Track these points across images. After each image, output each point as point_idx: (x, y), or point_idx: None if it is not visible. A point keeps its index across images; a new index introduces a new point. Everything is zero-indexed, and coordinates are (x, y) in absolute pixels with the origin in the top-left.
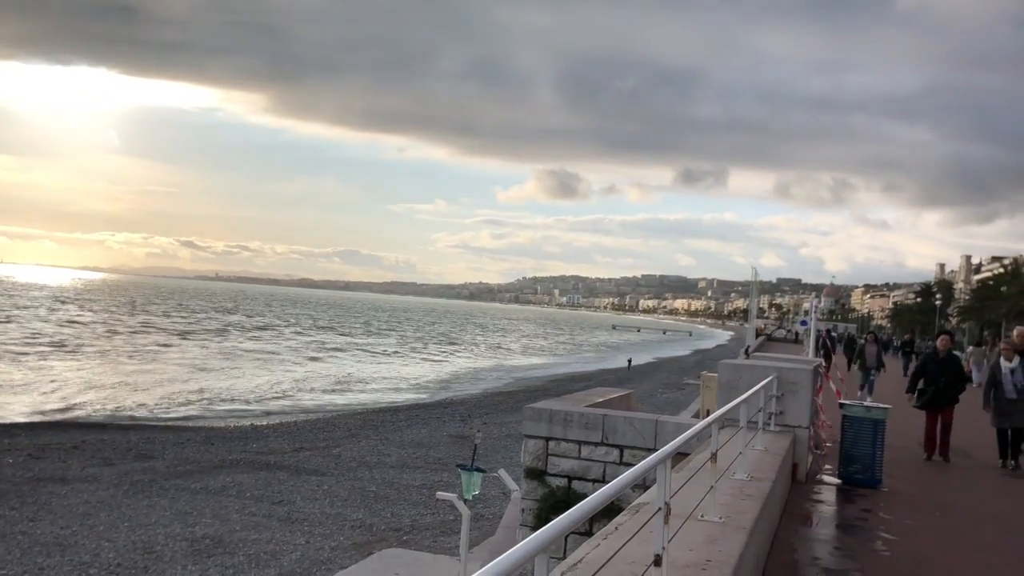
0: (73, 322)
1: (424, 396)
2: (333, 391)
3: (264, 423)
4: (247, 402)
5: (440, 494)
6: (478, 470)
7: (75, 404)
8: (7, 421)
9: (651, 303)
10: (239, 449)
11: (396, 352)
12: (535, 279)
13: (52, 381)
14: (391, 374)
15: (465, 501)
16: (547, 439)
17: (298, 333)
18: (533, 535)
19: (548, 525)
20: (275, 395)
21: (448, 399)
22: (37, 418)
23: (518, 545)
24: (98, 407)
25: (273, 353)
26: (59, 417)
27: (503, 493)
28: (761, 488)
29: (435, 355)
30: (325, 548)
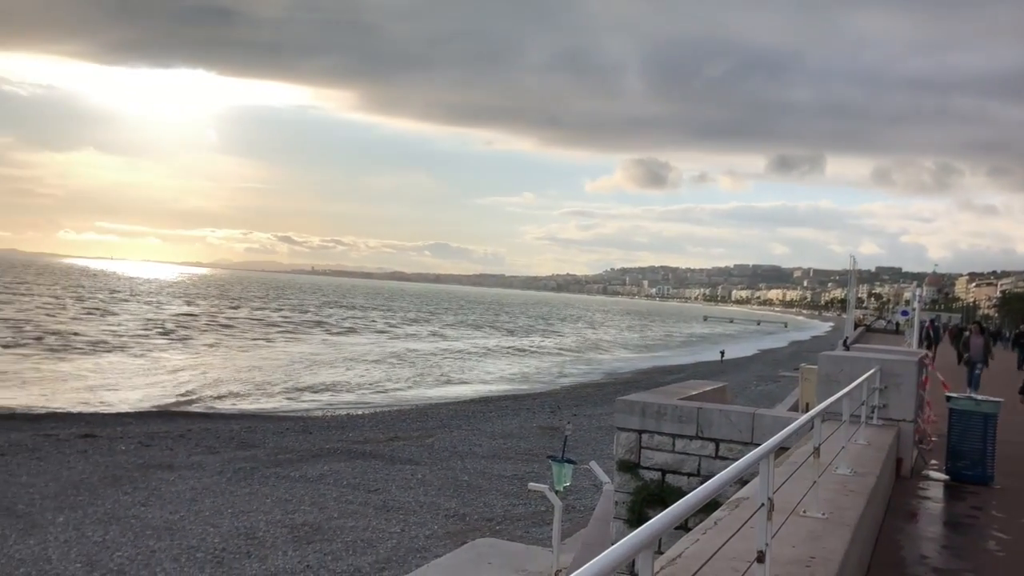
0: (179, 315)
1: (513, 388)
2: (424, 382)
3: (359, 412)
4: (343, 392)
5: (532, 485)
6: (569, 462)
7: (182, 394)
8: (120, 410)
9: (744, 293)
10: (336, 438)
11: (485, 343)
12: (623, 270)
13: (161, 372)
14: (481, 365)
15: (556, 492)
16: (640, 432)
17: (391, 325)
18: (638, 530)
19: (653, 520)
20: (370, 385)
21: (537, 391)
22: (147, 407)
23: (622, 540)
24: (203, 397)
25: (368, 344)
26: (167, 406)
27: (594, 485)
28: (865, 483)
29: (524, 347)
30: (420, 536)
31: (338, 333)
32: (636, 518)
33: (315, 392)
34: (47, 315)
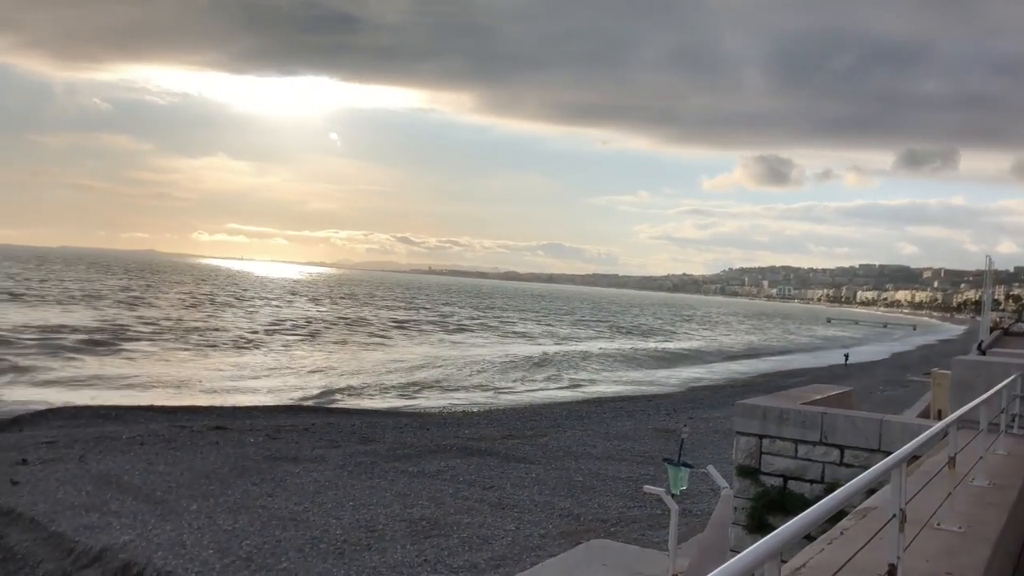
0: (306, 314)
1: (628, 389)
2: (538, 381)
3: (475, 410)
4: (459, 390)
5: (647, 488)
6: (685, 465)
7: (307, 389)
8: (249, 404)
9: (870, 295)
10: (451, 435)
11: (598, 343)
12: (742, 270)
13: (288, 368)
14: (594, 366)
15: (672, 496)
16: (761, 436)
17: (506, 324)
18: (765, 539)
19: (781, 529)
20: (485, 383)
21: (652, 392)
22: (274, 402)
23: (749, 549)
24: (327, 392)
25: (483, 343)
26: (293, 401)
27: (711, 489)
28: (1005, 496)
29: (638, 347)
30: (534, 535)
31: (455, 332)
32: (756, 524)
33: (432, 389)
34: (184, 312)
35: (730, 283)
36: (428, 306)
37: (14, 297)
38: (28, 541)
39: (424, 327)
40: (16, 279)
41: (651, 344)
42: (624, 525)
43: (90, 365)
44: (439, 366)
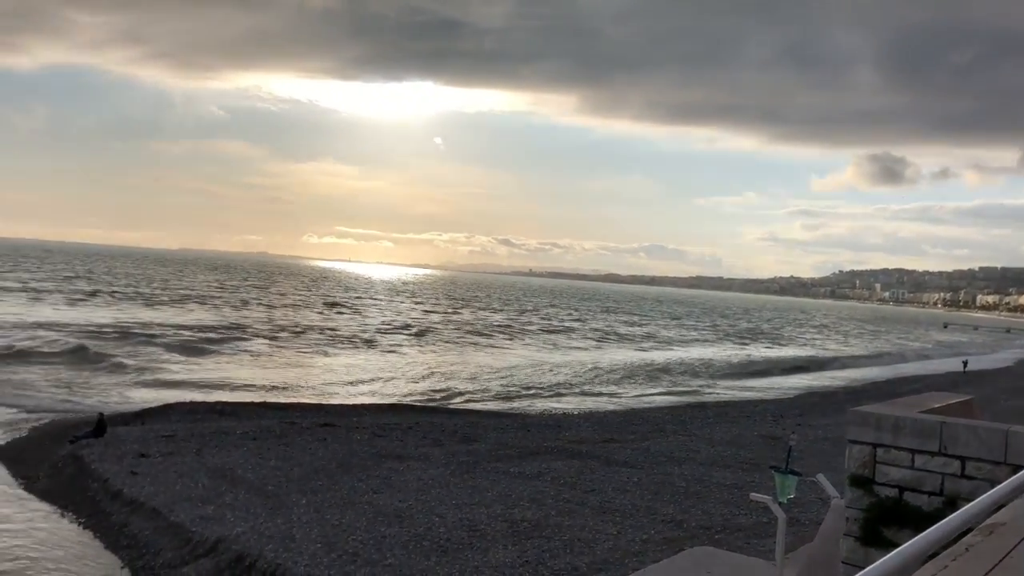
0: (413, 314)
1: (733, 393)
2: (639, 384)
3: (576, 412)
4: (560, 391)
5: (754, 495)
6: (793, 473)
7: (411, 388)
8: (355, 402)
9: (991, 299)
10: (552, 437)
11: (702, 346)
12: (852, 272)
13: (393, 367)
14: (697, 368)
15: (780, 504)
16: (875, 445)
17: (608, 326)
18: (889, 555)
19: (907, 545)
20: (586, 386)
21: (759, 398)
22: (380, 400)
23: (874, 565)
24: (431, 391)
25: (584, 346)
26: (398, 400)
27: (820, 499)
28: None
29: (743, 351)
30: (636, 540)
31: (557, 334)
32: (870, 536)
33: (533, 391)
34: (294, 312)
35: (840, 286)
36: (530, 307)
37: (140, 296)
38: (149, 530)
39: (526, 329)
40: (140, 280)
41: (757, 348)
42: (729, 533)
43: (206, 362)
44: (541, 368)
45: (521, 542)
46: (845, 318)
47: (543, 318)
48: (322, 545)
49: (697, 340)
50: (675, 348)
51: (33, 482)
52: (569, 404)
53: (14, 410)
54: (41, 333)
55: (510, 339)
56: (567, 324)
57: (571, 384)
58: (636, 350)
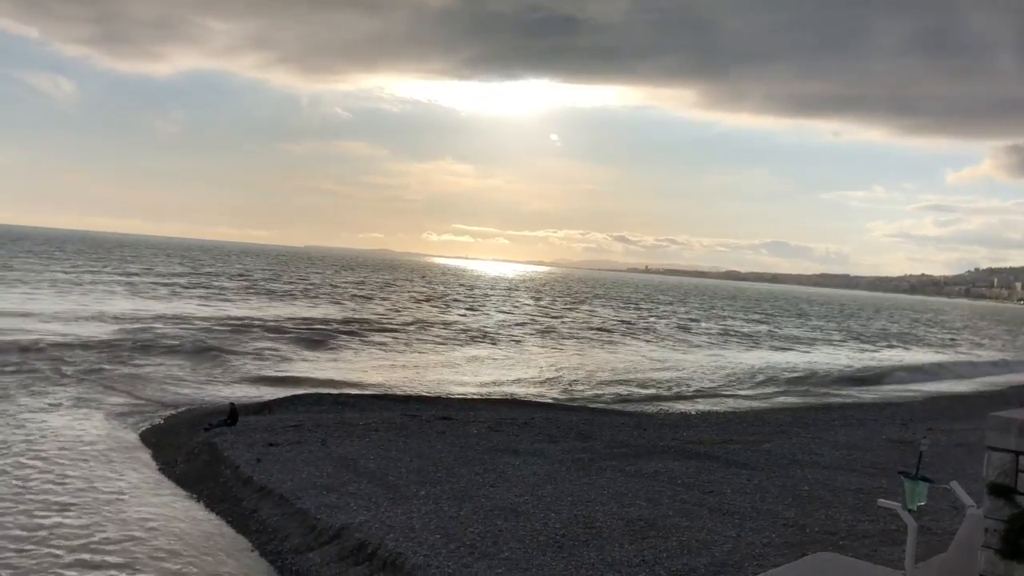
0: (528, 310)
1: (858, 396)
2: (758, 384)
3: (693, 412)
4: (676, 390)
5: (882, 501)
6: (924, 479)
7: (528, 384)
8: (473, 396)
9: None
10: (669, 436)
11: (827, 346)
12: (990, 270)
13: (510, 362)
14: (821, 369)
15: (909, 511)
16: (1017, 453)
17: (729, 326)
18: None
19: None
20: (704, 386)
21: (886, 400)
22: (496, 394)
23: None
24: (546, 387)
25: (704, 345)
26: (514, 395)
27: (954, 507)
28: None
29: (871, 352)
30: (756, 543)
31: (674, 332)
32: (1012, 549)
33: (650, 389)
34: (416, 308)
35: (976, 285)
36: (646, 305)
37: (269, 291)
38: (277, 516)
39: (644, 326)
40: (269, 276)
41: (884, 349)
42: (854, 539)
43: (331, 356)
44: (659, 366)
45: (637, 541)
46: (983, 318)
47: (661, 316)
48: (440, 536)
49: (821, 340)
50: (798, 348)
51: (171, 467)
52: (687, 403)
53: (148, 400)
54: (175, 327)
55: (627, 336)
56: (685, 322)
57: (690, 383)
58: (757, 350)
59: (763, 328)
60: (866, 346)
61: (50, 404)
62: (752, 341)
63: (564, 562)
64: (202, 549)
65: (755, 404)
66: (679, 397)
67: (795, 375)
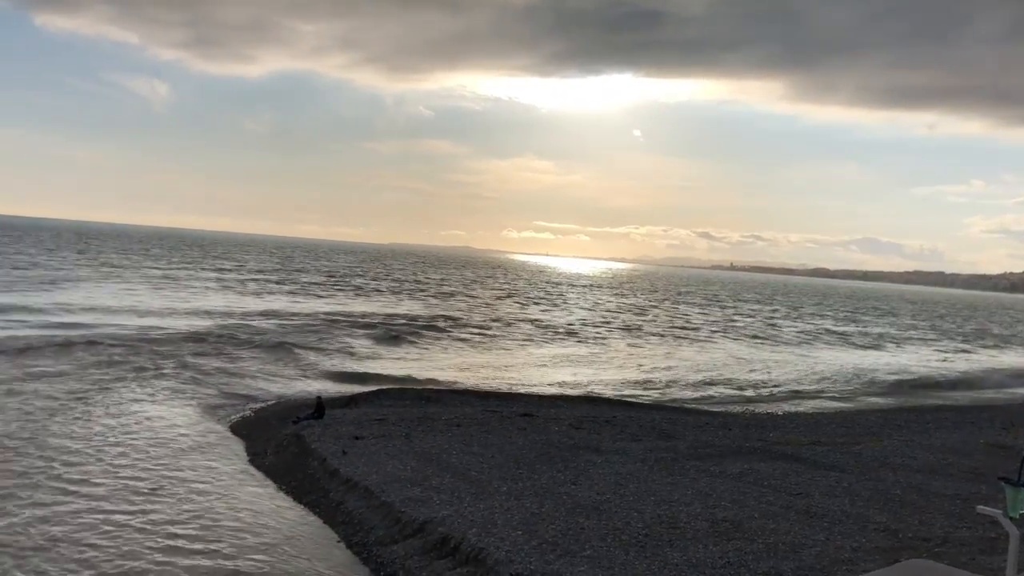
0: (610, 308)
1: (955, 398)
2: (850, 384)
3: (779, 413)
4: (763, 391)
5: (981, 508)
6: None
7: (610, 382)
8: (554, 393)
9: None
10: (755, 437)
11: (922, 346)
12: None
13: (593, 360)
14: (913, 369)
15: (1011, 519)
16: None
17: (818, 323)
18: None
19: None
20: (791, 386)
21: (985, 403)
22: (577, 393)
23: None
24: (629, 386)
25: (793, 344)
26: (595, 393)
27: None
28: None
29: (970, 353)
30: (846, 548)
31: (762, 330)
32: None
33: (736, 389)
34: (498, 304)
35: None
36: (731, 303)
37: (354, 288)
38: (362, 508)
39: (729, 325)
40: (354, 273)
41: (983, 350)
42: (951, 547)
43: (413, 351)
44: (744, 366)
45: (722, 542)
46: None
47: (746, 314)
48: (522, 532)
49: (915, 340)
50: (889, 348)
51: (261, 458)
52: (773, 404)
53: (238, 393)
54: (264, 322)
55: (711, 335)
56: (772, 321)
57: (776, 383)
58: (846, 349)
59: (852, 327)
60: (962, 346)
61: (145, 395)
62: (841, 340)
63: (647, 561)
64: (290, 539)
65: (844, 405)
66: (765, 397)
67: (886, 376)
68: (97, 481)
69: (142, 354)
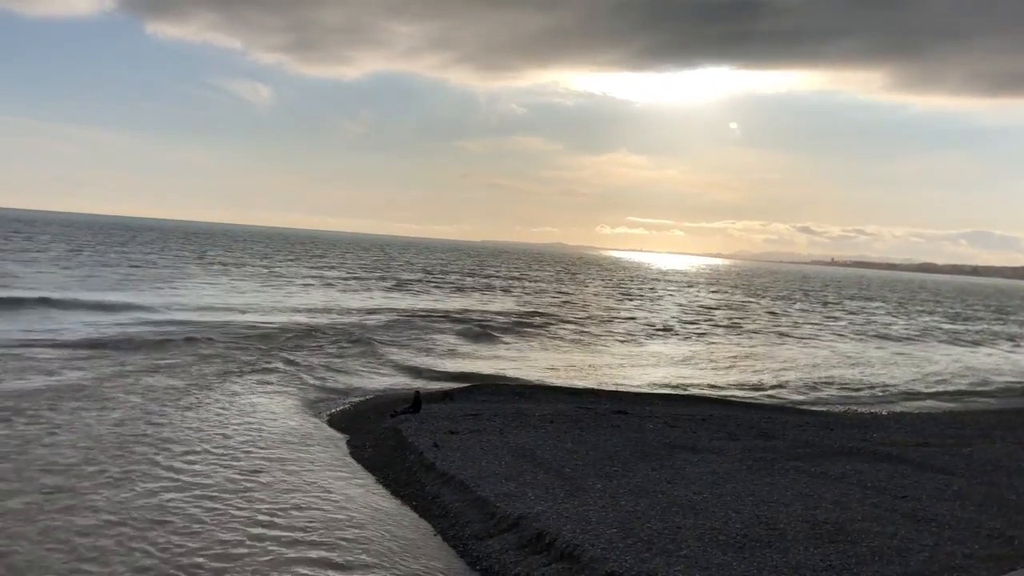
0: (708, 304)
1: None
2: (959, 383)
3: (884, 413)
4: (865, 390)
5: None
6: None
7: (707, 380)
8: (649, 391)
9: None
10: (858, 437)
11: None
12: None
13: (689, 357)
14: None
15: None
16: None
17: (925, 320)
18: None
19: None
20: (896, 385)
21: None
22: (672, 390)
23: None
24: (725, 384)
25: (902, 339)
26: (691, 390)
27: None
28: None
29: None
30: (956, 554)
31: (866, 327)
32: None
33: (838, 388)
34: (592, 301)
35: None
36: (833, 299)
37: (447, 284)
38: (458, 502)
39: (830, 321)
40: (450, 269)
41: None
42: None
43: (508, 347)
44: (845, 363)
45: (824, 545)
46: None
47: (849, 311)
48: (617, 530)
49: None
50: (1002, 346)
51: (360, 451)
52: (878, 403)
53: (336, 386)
54: (362, 318)
55: (814, 332)
56: (877, 317)
57: (880, 382)
58: (956, 347)
59: (963, 325)
60: None
61: (249, 389)
62: (951, 338)
63: (745, 563)
64: (388, 531)
65: (952, 405)
66: (868, 396)
67: (999, 376)
68: (202, 467)
69: (246, 349)
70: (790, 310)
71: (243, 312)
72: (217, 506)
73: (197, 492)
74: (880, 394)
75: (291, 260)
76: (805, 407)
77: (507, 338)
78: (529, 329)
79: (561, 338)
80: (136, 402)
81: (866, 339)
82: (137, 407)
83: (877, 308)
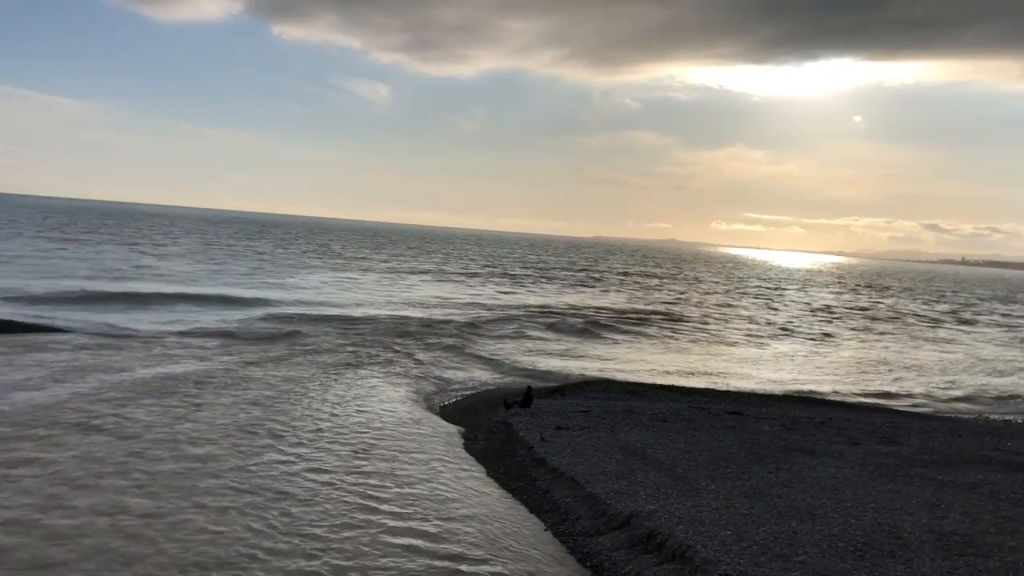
0: (831, 303)
1: None
2: None
3: (1019, 421)
4: (1004, 398)
5: None
6: None
7: (825, 381)
8: (765, 391)
9: None
10: (990, 446)
11: None
12: None
13: (809, 358)
14: None
15: None
16: None
17: None
18: None
19: None
20: None
21: None
22: (789, 391)
23: None
24: (844, 386)
25: None
26: (809, 393)
27: None
28: None
29: None
30: None
31: (998, 329)
32: None
33: (968, 393)
34: (706, 298)
35: None
36: (964, 300)
37: (559, 279)
38: (568, 498)
39: (961, 323)
40: (561, 265)
41: None
42: None
43: (620, 344)
44: (976, 368)
45: (951, 557)
46: None
47: (981, 312)
48: (731, 533)
49: None
50: None
51: (472, 443)
52: (1012, 409)
53: (449, 380)
54: (473, 312)
55: (945, 334)
56: (1012, 320)
57: (1015, 387)
58: None
59: None
60: None
61: (363, 380)
62: None
63: (866, 572)
64: (499, 525)
65: None
66: (1004, 401)
67: None
68: (320, 451)
69: (364, 342)
70: (919, 311)
71: (361, 306)
72: (334, 482)
73: (316, 470)
74: (1014, 399)
75: (407, 255)
76: (932, 412)
77: (619, 335)
78: (641, 326)
79: (674, 336)
80: (265, 388)
81: (999, 342)
82: (266, 393)
83: (1011, 310)
